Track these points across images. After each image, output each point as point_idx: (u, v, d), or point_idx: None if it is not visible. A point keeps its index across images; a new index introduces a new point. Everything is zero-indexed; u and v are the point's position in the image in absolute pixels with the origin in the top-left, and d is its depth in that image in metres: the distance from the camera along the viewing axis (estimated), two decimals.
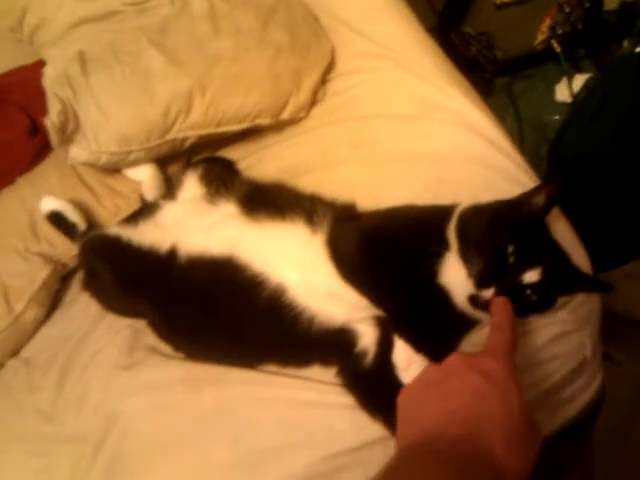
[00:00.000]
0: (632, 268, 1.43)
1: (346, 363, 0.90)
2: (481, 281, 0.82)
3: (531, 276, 0.82)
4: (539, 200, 0.87)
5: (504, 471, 0.62)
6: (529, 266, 0.82)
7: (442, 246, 0.87)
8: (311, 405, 0.91)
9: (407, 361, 0.80)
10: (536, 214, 0.88)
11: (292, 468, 0.88)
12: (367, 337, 0.88)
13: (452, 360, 0.72)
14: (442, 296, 0.86)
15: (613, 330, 1.08)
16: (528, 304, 0.84)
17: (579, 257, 1.00)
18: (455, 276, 0.85)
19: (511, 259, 0.82)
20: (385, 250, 0.89)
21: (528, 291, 0.83)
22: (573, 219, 1.07)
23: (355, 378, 0.89)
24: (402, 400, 0.73)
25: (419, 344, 0.81)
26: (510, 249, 0.82)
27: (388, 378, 0.84)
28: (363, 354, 0.88)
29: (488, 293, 0.81)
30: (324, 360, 0.93)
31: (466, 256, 0.84)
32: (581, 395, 0.99)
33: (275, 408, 0.92)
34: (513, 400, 0.66)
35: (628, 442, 1.15)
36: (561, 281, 0.86)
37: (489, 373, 0.67)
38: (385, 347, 0.86)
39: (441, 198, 1.05)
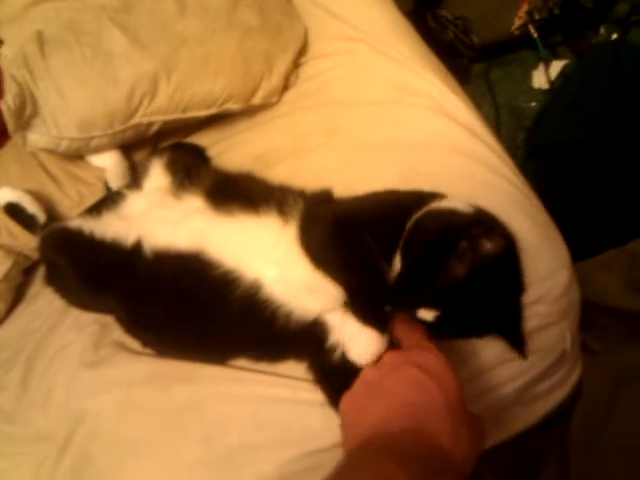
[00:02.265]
0: (608, 257, 1.43)
1: (317, 358, 0.88)
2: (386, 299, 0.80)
3: (425, 314, 0.78)
4: (459, 269, 0.77)
5: (451, 457, 0.63)
6: (430, 305, 0.78)
7: (399, 236, 0.83)
8: (285, 402, 0.89)
9: (353, 334, 0.79)
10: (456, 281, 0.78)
11: (265, 467, 0.85)
12: (338, 331, 0.85)
13: (387, 357, 0.75)
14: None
15: (589, 320, 1.07)
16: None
17: (556, 246, 0.98)
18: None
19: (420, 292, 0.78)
20: (353, 238, 0.85)
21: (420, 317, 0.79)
22: (550, 207, 1.05)
23: (324, 373, 0.87)
24: (345, 404, 0.74)
25: (370, 320, 0.78)
26: (426, 286, 0.78)
27: (356, 375, 0.81)
28: (333, 349, 0.85)
29: (388, 309, 0.80)
30: (299, 355, 0.90)
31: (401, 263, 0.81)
32: (560, 388, 0.98)
33: (247, 405, 0.90)
34: (451, 386, 0.68)
35: (605, 433, 1.15)
36: (469, 329, 0.82)
37: (424, 364, 0.70)
38: None
39: (417, 186, 1.02)
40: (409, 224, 0.84)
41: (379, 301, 0.80)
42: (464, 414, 0.68)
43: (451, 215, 0.83)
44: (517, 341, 0.83)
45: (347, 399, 0.74)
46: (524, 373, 0.91)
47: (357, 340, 0.78)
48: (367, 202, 0.94)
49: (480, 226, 0.78)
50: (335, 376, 0.85)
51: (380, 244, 0.83)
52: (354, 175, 1.11)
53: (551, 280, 0.93)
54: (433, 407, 0.66)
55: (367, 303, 0.81)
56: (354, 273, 0.83)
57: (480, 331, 0.84)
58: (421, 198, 0.89)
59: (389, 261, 0.83)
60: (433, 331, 0.79)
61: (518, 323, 0.84)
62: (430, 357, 0.71)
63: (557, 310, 0.92)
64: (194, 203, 1.00)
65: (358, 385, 0.74)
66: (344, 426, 0.73)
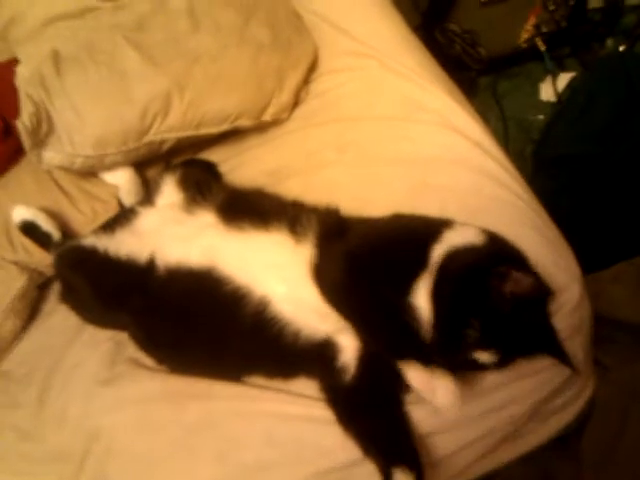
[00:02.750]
0: (619, 270, 1.43)
1: (327, 378, 0.88)
2: (435, 351, 0.79)
3: (485, 356, 0.80)
4: (505, 293, 0.79)
5: None
6: (484, 347, 0.79)
7: (421, 265, 0.85)
8: (299, 420, 0.89)
9: (427, 381, 0.76)
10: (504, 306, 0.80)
11: None
12: (349, 351, 0.86)
13: None
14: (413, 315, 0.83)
15: (600, 333, 1.07)
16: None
17: (565, 257, 0.98)
18: (423, 303, 0.83)
19: (470, 338, 0.79)
20: (369, 280, 0.85)
21: (480, 362, 0.81)
22: (559, 220, 1.05)
23: (334, 393, 0.87)
24: None
25: (425, 359, 0.77)
26: (472, 328, 0.79)
27: (365, 396, 0.83)
28: (344, 369, 0.86)
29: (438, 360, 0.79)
30: (309, 373, 0.91)
31: (434, 312, 0.82)
32: (573, 403, 0.98)
33: (262, 423, 0.90)
34: None
35: (618, 448, 1.14)
36: (521, 355, 0.84)
37: None
38: (365, 363, 0.85)
39: (427, 202, 1.04)
40: (432, 269, 0.84)
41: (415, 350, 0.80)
42: None
43: (472, 254, 0.84)
44: (564, 357, 0.85)
45: None
46: (538, 389, 0.91)
47: (438, 389, 0.76)
48: (380, 235, 0.94)
49: (504, 261, 0.81)
50: (345, 396, 0.85)
51: (396, 276, 0.85)
52: (365, 190, 1.12)
53: (562, 295, 0.93)
54: None
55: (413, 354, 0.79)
56: (376, 327, 0.84)
57: (528, 354, 0.85)
58: (433, 226, 0.90)
59: (407, 293, 0.84)
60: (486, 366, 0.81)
61: (557, 339, 0.85)
62: None
63: (569, 325, 0.92)
64: (206, 219, 1.01)
65: None
66: None
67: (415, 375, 0.76)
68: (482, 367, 0.82)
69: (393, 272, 0.85)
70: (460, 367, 0.82)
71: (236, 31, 1.23)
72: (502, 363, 0.81)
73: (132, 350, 1.02)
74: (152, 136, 1.14)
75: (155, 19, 1.20)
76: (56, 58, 1.12)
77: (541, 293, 0.81)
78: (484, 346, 0.79)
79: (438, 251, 0.85)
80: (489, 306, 0.79)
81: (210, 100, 1.17)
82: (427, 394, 0.76)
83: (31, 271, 1.14)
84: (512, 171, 1.10)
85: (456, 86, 1.31)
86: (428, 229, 0.90)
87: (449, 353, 0.80)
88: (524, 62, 2.16)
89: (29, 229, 1.13)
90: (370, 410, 0.84)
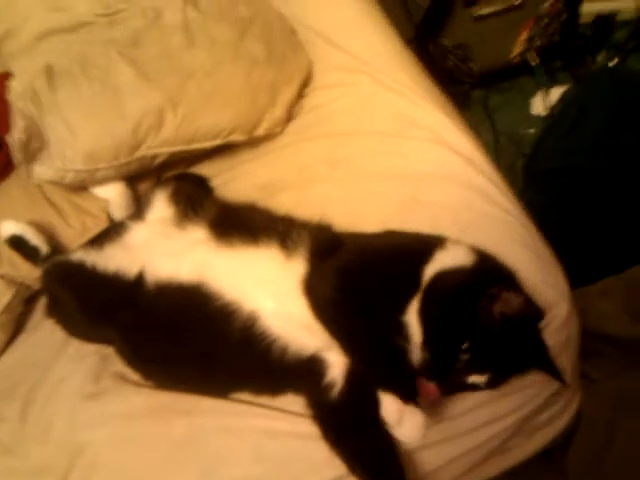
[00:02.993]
0: (607, 284, 1.43)
1: (314, 394, 0.88)
2: (426, 374, 0.81)
3: (478, 378, 0.81)
4: (495, 313, 0.80)
5: None
6: (478, 370, 0.80)
7: (413, 286, 0.85)
8: (287, 436, 0.89)
9: (398, 415, 0.77)
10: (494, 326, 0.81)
11: None
12: (336, 368, 0.87)
13: None
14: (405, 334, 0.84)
15: (587, 347, 1.07)
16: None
17: (553, 274, 0.99)
18: (414, 323, 0.84)
19: (461, 362, 0.80)
20: (360, 298, 0.86)
21: (472, 383, 0.82)
22: (549, 234, 1.06)
23: (321, 409, 0.87)
24: None
25: (404, 393, 0.77)
26: (463, 350, 0.79)
27: (351, 413, 0.84)
28: (331, 386, 0.86)
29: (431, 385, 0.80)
30: (297, 389, 0.91)
31: (424, 334, 0.82)
32: (559, 418, 1.00)
33: (249, 439, 0.90)
34: None
35: (605, 461, 1.14)
36: (514, 373, 0.85)
37: None
38: (352, 380, 0.85)
39: (418, 217, 1.05)
40: (421, 290, 0.85)
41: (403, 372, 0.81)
42: None
43: (460, 276, 0.85)
44: (554, 371, 0.86)
45: None
46: (524, 405, 0.92)
47: (406, 420, 0.77)
48: (372, 253, 0.95)
49: (493, 281, 0.82)
50: (331, 412, 0.86)
51: (388, 296, 0.85)
52: (356, 205, 1.13)
53: (551, 312, 0.94)
54: None
55: (395, 382, 0.79)
56: (364, 350, 0.84)
57: (520, 371, 0.86)
58: (425, 244, 0.91)
59: (399, 313, 0.84)
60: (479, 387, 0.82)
61: (548, 354, 0.86)
62: None
63: (557, 342, 0.93)
64: (197, 234, 1.01)
65: None
66: None
67: (388, 404, 0.77)
68: (475, 388, 0.83)
69: (385, 292, 0.86)
70: (453, 390, 0.83)
71: (231, 46, 1.24)
72: (494, 383, 0.82)
73: (118, 365, 1.01)
74: (144, 151, 1.14)
75: (149, 34, 1.20)
76: (49, 73, 1.12)
77: (531, 312, 0.81)
78: (477, 369, 0.80)
79: (429, 271, 0.86)
80: (479, 327, 0.80)
81: (203, 115, 1.18)
82: (394, 424, 0.77)
83: (18, 285, 1.14)
84: (503, 187, 1.11)
85: (449, 101, 1.31)
86: (420, 248, 0.91)
87: (442, 377, 0.80)
88: (516, 76, 2.19)
89: (17, 243, 1.12)
90: (356, 427, 0.84)
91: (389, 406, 0.77)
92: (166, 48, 1.19)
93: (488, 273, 0.87)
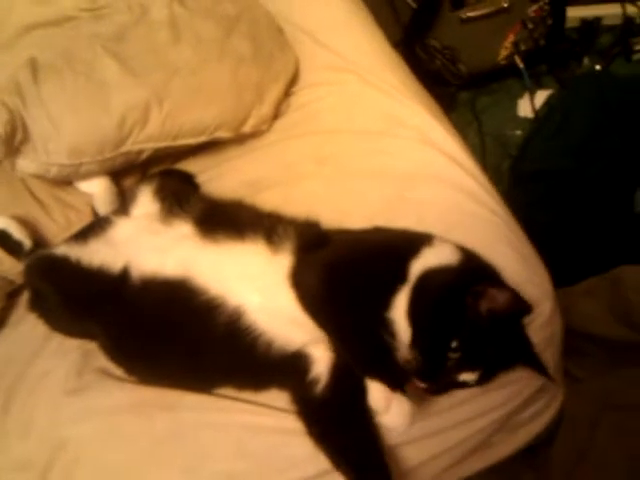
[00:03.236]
0: (591, 284, 1.45)
1: (299, 390, 0.88)
2: (417, 375, 0.80)
3: (469, 376, 0.81)
4: (482, 310, 0.80)
5: None
6: (469, 368, 0.80)
7: (400, 279, 0.85)
8: (269, 431, 0.89)
9: (385, 402, 0.77)
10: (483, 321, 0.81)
11: None
12: (321, 363, 0.86)
13: None
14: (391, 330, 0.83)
15: (571, 346, 1.08)
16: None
17: (539, 277, 1.00)
18: (401, 321, 0.83)
19: (451, 360, 0.79)
20: (347, 290, 0.86)
21: (463, 382, 0.82)
22: (534, 234, 1.07)
23: (305, 405, 0.87)
24: None
25: (392, 382, 0.78)
26: (453, 349, 0.79)
27: (336, 409, 0.84)
28: (315, 381, 0.86)
29: (421, 384, 0.80)
30: (281, 384, 0.91)
31: (412, 334, 0.82)
32: (543, 415, 1.00)
33: (232, 434, 0.89)
34: None
35: (587, 458, 1.15)
36: (502, 369, 0.85)
37: None
38: (337, 376, 0.85)
39: (404, 216, 1.05)
40: (410, 286, 0.85)
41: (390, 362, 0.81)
42: None
43: (446, 275, 0.85)
44: (540, 367, 0.86)
45: None
46: (508, 401, 0.93)
47: (393, 407, 0.77)
48: (359, 249, 0.95)
49: (479, 279, 0.82)
50: (316, 408, 0.86)
51: (375, 289, 0.85)
52: (343, 202, 1.13)
53: (534, 311, 0.93)
54: None
55: (383, 371, 0.80)
56: (352, 340, 0.84)
57: (508, 367, 0.85)
58: (412, 241, 0.91)
59: (385, 307, 0.84)
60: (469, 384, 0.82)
61: (533, 349, 0.87)
62: None
63: (540, 340, 0.93)
64: (182, 230, 1.01)
65: None
66: None
67: (375, 391, 0.78)
68: (464, 386, 0.83)
69: (372, 284, 0.86)
70: (443, 389, 0.83)
71: (217, 43, 1.24)
72: (483, 380, 0.82)
73: (101, 360, 1.00)
74: (129, 146, 1.14)
75: (135, 30, 1.20)
76: (33, 66, 1.11)
77: (518, 306, 0.81)
78: (467, 367, 0.80)
79: (416, 267, 0.86)
80: (467, 325, 0.80)
81: (189, 111, 1.17)
82: (381, 413, 0.78)
83: (1, 279, 1.13)
84: (488, 187, 1.12)
85: (435, 102, 1.33)
86: (408, 243, 0.91)
87: (433, 377, 0.80)
88: (503, 79, 2.21)
89: (0, 238, 1.11)
90: (340, 422, 0.84)
91: (376, 393, 0.78)
92: (152, 44, 1.19)
93: (474, 271, 0.88)
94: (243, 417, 0.90)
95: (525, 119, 2.12)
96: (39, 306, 1.05)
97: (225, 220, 1.00)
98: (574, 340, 1.21)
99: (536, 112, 2.07)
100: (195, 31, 1.23)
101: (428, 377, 0.80)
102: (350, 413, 0.84)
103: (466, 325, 0.80)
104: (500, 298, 0.79)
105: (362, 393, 0.81)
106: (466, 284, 0.81)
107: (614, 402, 1.22)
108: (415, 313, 0.82)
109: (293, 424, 0.87)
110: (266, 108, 1.27)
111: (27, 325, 1.11)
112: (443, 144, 1.17)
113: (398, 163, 1.17)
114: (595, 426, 1.20)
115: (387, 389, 0.77)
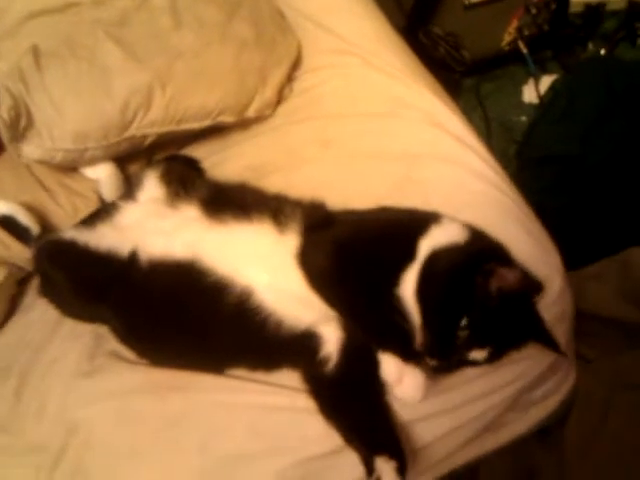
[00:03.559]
0: (600, 267, 1.44)
1: (309, 369, 0.88)
2: (428, 353, 0.80)
3: (478, 354, 0.80)
4: (492, 289, 0.80)
5: None
6: (478, 346, 0.80)
7: (408, 256, 0.85)
8: (282, 410, 0.88)
9: (397, 374, 0.78)
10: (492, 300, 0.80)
11: (262, 475, 0.85)
12: (331, 342, 0.86)
13: None
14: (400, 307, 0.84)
15: (582, 328, 1.08)
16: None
17: (548, 253, 0.99)
18: (410, 298, 0.83)
19: (461, 338, 0.79)
20: (356, 266, 0.86)
21: (472, 359, 0.82)
22: (542, 218, 1.06)
23: (316, 384, 0.87)
24: None
25: (405, 353, 0.78)
26: (462, 328, 0.79)
27: (347, 386, 0.84)
28: (326, 360, 0.86)
29: (432, 362, 0.80)
30: (292, 363, 0.90)
31: (422, 313, 0.82)
32: (554, 394, 1.00)
33: (244, 414, 0.89)
34: None
35: (600, 440, 1.14)
36: (513, 347, 0.85)
37: None
38: (347, 354, 0.85)
39: (411, 197, 1.04)
40: (419, 264, 0.84)
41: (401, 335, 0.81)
42: None
43: (455, 254, 0.85)
44: (551, 342, 0.86)
45: None
46: (519, 378, 0.92)
47: (405, 379, 0.78)
48: (367, 227, 0.95)
49: (488, 258, 0.82)
50: (327, 386, 0.85)
51: (383, 265, 0.85)
52: (348, 185, 1.12)
53: (544, 289, 0.93)
54: None
55: (394, 343, 0.81)
56: (362, 315, 0.85)
57: (519, 345, 0.85)
58: (420, 220, 0.91)
59: (394, 284, 0.84)
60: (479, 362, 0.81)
61: (544, 325, 0.86)
62: None
63: (551, 316, 0.92)
64: (189, 212, 1.01)
65: None
66: None
67: (387, 365, 0.79)
68: (474, 363, 0.82)
69: (380, 261, 0.86)
70: (453, 367, 0.83)
71: (219, 28, 1.23)
72: (494, 358, 0.82)
73: (112, 343, 1.00)
74: (133, 131, 1.14)
75: (137, 15, 1.19)
76: (36, 53, 1.10)
77: (528, 285, 0.81)
78: (477, 345, 0.80)
79: (425, 245, 0.86)
80: (477, 304, 0.79)
81: (192, 96, 1.17)
82: (394, 384, 0.79)
83: (10, 266, 1.12)
84: (495, 166, 1.11)
85: (439, 84, 1.32)
86: (416, 221, 0.91)
87: (442, 356, 0.80)
88: (507, 64, 2.20)
89: (8, 224, 1.11)
90: (352, 400, 0.84)
91: (389, 366, 0.79)
92: (154, 29, 1.18)
93: (483, 250, 0.87)
94: (255, 397, 0.90)
95: (530, 105, 2.10)
96: (49, 291, 1.05)
97: (231, 202, 1.00)
98: (585, 322, 1.20)
99: (541, 98, 2.06)
100: (197, 16, 1.23)
101: (437, 355, 0.80)
102: (361, 390, 0.84)
103: (476, 304, 0.80)
104: (510, 277, 0.79)
105: (373, 370, 0.81)
106: (476, 263, 0.81)
107: (627, 381, 1.21)
108: (424, 292, 0.82)
109: (305, 403, 0.87)
110: (269, 92, 1.27)
111: (38, 311, 1.11)
112: (448, 124, 1.16)
113: (404, 144, 1.16)
114: (609, 406, 1.19)
115: (399, 361, 0.77)
